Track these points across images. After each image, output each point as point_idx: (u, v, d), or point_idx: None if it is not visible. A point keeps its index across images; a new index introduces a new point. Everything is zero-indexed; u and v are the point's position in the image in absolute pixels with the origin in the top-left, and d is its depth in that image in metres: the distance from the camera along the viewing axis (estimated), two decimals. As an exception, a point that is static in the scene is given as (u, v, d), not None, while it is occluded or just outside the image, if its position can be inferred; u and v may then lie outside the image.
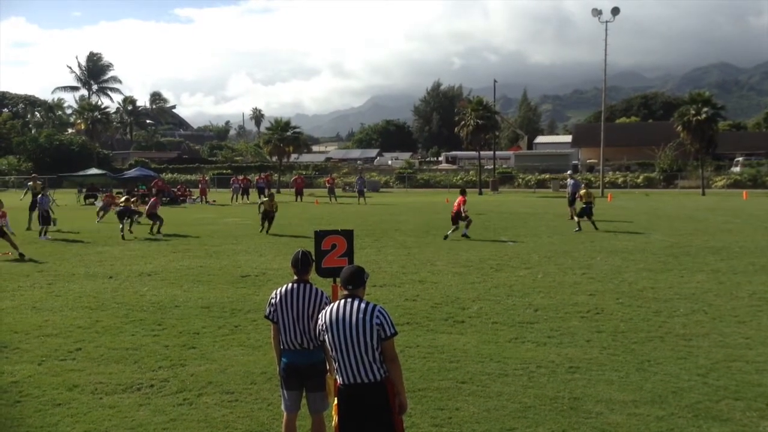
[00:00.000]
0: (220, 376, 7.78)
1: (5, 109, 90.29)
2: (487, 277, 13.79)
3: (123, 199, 24.01)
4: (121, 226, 21.89)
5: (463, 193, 21.21)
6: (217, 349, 8.93)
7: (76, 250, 19.01)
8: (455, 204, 20.75)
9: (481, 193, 50.01)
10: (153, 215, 22.80)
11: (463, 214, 20.35)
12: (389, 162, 78.84)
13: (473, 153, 59.92)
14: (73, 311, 11.21)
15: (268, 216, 22.77)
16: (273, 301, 5.53)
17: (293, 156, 62.38)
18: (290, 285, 5.54)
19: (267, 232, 22.42)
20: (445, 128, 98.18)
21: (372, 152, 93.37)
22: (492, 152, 59.93)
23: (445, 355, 8.43)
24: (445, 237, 20.23)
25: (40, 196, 22.88)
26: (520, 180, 60.03)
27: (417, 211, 32.07)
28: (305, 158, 77.04)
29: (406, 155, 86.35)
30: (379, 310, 4.77)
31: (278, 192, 43.34)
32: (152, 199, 24.42)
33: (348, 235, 6.85)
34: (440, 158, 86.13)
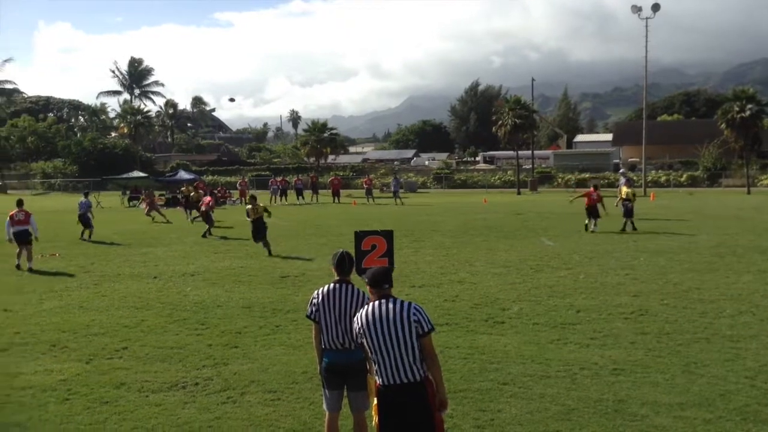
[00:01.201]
0: (262, 375, 7.87)
1: (51, 114, 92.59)
2: (527, 277, 13.68)
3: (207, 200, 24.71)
4: (207, 227, 22.97)
5: (596, 188, 22.30)
6: (258, 349, 9.03)
7: (120, 251, 19.41)
8: (590, 197, 21.64)
9: (519, 193, 49.63)
10: (207, 216, 23.27)
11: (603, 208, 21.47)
12: (426, 162, 78.69)
13: (511, 153, 59.47)
14: (119, 311, 11.46)
15: (257, 226, 18.46)
16: (315, 300, 5.57)
17: (330, 157, 62.70)
18: (332, 285, 5.58)
19: (268, 251, 18.07)
20: (482, 128, 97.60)
21: (409, 153, 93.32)
22: (530, 152, 59.41)
23: (486, 356, 8.39)
24: (589, 230, 21.44)
25: (81, 200, 23.17)
26: (559, 179, 59.32)
27: (455, 211, 31.96)
28: (342, 159, 77.30)
29: (443, 155, 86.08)
30: (415, 307, 4.78)
31: (316, 193, 43.46)
32: (208, 199, 24.93)
33: (388, 235, 6.85)
34: (478, 158, 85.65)
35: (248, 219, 18.70)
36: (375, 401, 4.99)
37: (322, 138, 56.83)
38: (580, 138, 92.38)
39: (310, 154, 58.94)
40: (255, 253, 18.38)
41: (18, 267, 15.98)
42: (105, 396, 7.27)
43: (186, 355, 8.76)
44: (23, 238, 16.12)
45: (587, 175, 57.21)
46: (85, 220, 22.44)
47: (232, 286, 13.59)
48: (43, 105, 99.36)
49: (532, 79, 61.97)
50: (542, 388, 7.19)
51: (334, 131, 59.78)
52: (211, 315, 11.05)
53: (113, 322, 10.65)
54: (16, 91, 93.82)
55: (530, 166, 59.62)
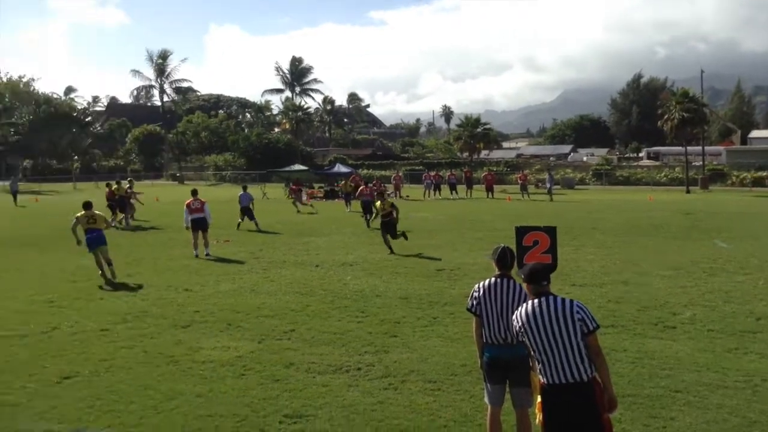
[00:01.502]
0: (421, 365, 7.99)
1: (221, 111, 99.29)
2: (699, 281, 12.81)
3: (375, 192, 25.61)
4: (366, 216, 24.09)
5: None
6: (417, 339, 9.17)
7: (284, 239, 20.45)
8: None
9: (688, 192, 46.54)
10: (367, 205, 24.17)
11: None
12: (584, 158, 75.83)
13: (678, 148, 55.86)
14: (286, 295, 12.09)
15: (386, 223, 17.87)
16: (476, 294, 5.55)
17: (483, 152, 62.19)
18: (493, 279, 5.53)
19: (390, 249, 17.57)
20: (645, 122, 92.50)
21: (565, 148, 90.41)
22: (700, 147, 55.48)
23: (656, 361, 7.96)
24: None
25: (240, 193, 24.46)
26: (733, 178, 54.90)
27: (617, 209, 30.57)
28: (496, 154, 76.42)
29: (602, 151, 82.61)
30: (578, 305, 4.65)
31: (470, 188, 43.26)
32: (363, 188, 25.88)
33: (551, 231, 6.68)
34: (641, 154, 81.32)
35: (378, 215, 18.48)
36: (539, 399, 4.90)
37: (475, 133, 56.53)
38: (756, 134, 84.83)
39: (463, 149, 58.82)
40: (409, 245, 18.64)
41: (196, 256, 16.81)
42: (276, 374, 7.71)
43: (348, 341, 9.09)
44: (200, 225, 17.38)
45: (765, 174, 52.57)
46: (248, 212, 23.80)
47: (389, 277, 13.89)
48: (214, 102, 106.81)
49: (701, 71, 57.73)
50: (719, 398, 6.72)
51: (487, 126, 59.26)
52: (371, 304, 11.36)
53: (281, 305, 11.27)
54: (190, 89, 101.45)
55: (700, 162, 55.71)
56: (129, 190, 26.34)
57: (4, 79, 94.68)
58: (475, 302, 5.55)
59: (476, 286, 5.62)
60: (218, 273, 14.48)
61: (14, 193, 39.57)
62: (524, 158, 78.14)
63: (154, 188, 58.57)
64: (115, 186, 26.10)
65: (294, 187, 35.71)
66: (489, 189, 41.08)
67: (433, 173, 45.61)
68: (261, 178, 55.82)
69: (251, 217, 23.62)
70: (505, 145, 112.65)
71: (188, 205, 17.45)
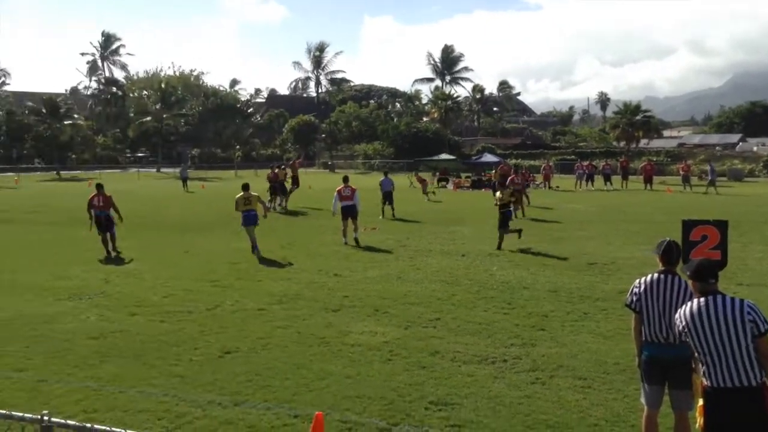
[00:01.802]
0: (571, 361, 7.77)
1: (372, 101, 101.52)
2: None
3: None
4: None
5: None
6: (566, 334, 8.92)
7: (430, 228, 20.60)
8: None
9: None
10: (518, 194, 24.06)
11: None
12: (754, 148, 69.92)
13: None
14: (432, 284, 12.19)
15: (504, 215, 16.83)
16: (636, 290, 5.31)
17: (642, 141, 59.05)
18: (656, 275, 5.26)
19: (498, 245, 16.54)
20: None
21: (733, 137, 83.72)
22: None
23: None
24: None
25: (382, 179, 24.94)
26: None
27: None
28: (655, 144, 72.37)
29: (776, 140, 75.75)
30: (749, 305, 4.34)
31: (626, 179, 41.22)
32: (512, 177, 25.61)
33: (722, 226, 6.24)
34: (821, 144, 73.64)
35: (496, 205, 17.10)
36: (700, 403, 4.61)
37: (633, 121, 53.84)
38: None
39: (620, 138, 56.24)
40: (560, 237, 18.15)
41: (345, 243, 17.12)
42: (422, 361, 7.81)
43: (494, 332, 9.02)
44: (349, 212, 17.58)
45: None
46: (389, 197, 24.24)
47: (537, 269, 13.60)
48: (366, 92, 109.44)
49: None
50: None
51: (647, 113, 56.25)
52: (517, 296, 11.19)
53: (427, 293, 11.38)
54: (344, 80, 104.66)
55: None
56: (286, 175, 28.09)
57: (177, 74, 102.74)
58: (635, 298, 5.32)
59: (637, 281, 5.38)
60: (366, 260, 14.86)
61: (184, 180, 42.83)
62: (687, 148, 73.32)
63: (307, 176, 61.09)
64: (278, 169, 28.32)
65: (418, 176, 35.56)
66: (648, 180, 38.95)
67: (586, 163, 43.95)
68: (408, 167, 56.48)
69: (390, 202, 24.02)
70: (666, 133, 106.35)
71: (339, 192, 17.78)
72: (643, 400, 5.39)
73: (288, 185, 28.44)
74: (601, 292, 11.31)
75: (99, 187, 16.62)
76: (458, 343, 8.50)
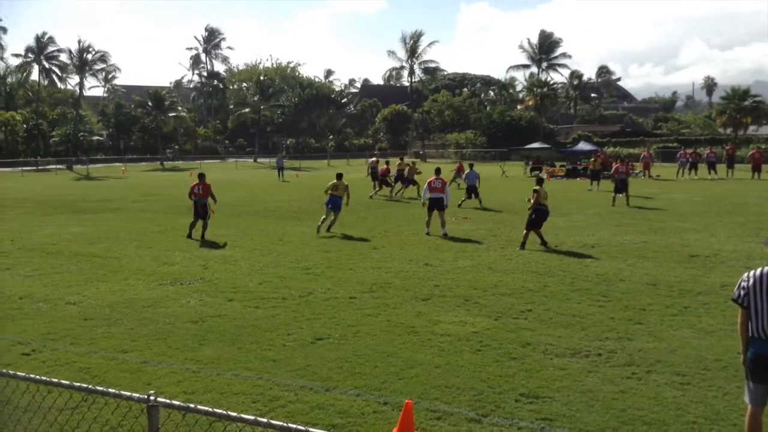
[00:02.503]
0: (669, 356, 7.47)
1: (465, 89, 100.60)
2: None
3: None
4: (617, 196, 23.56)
5: None
6: (665, 328, 8.58)
7: (522, 218, 20.20)
8: None
9: None
10: (623, 183, 23.71)
11: None
12: None
13: None
14: (524, 275, 11.99)
15: (538, 215, 15.22)
16: (744, 284, 5.04)
17: (751, 128, 55.85)
18: (766, 269, 4.98)
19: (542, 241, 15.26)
20: None
21: None
22: None
23: None
24: None
25: (468, 171, 25.01)
26: None
27: None
28: (765, 130, 68.28)
29: None
30: None
31: (731, 167, 39.04)
32: (617, 165, 24.99)
33: None
34: None
35: (528, 206, 15.38)
36: None
37: (742, 106, 51.05)
38: None
39: (727, 125, 53.47)
40: (660, 228, 17.45)
41: (428, 234, 17.02)
42: (512, 352, 7.71)
43: (588, 325, 8.78)
44: (436, 205, 17.25)
45: None
46: (474, 191, 23.95)
47: (635, 261, 13.13)
48: (459, 81, 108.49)
49: None
50: None
51: (757, 98, 53.12)
52: (613, 288, 10.85)
53: (518, 284, 11.21)
54: (437, 69, 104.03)
55: None
56: (407, 166, 29.53)
57: (274, 66, 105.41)
58: (743, 292, 5.06)
59: (745, 275, 5.12)
60: (457, 249, 14.79)
61: (280, 169, 43.99)
62: (801, 134, 68.76)
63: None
64: (400, 161, 30.30)
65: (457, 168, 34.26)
66: (756, 169, 36.72)
67: (690, 151, 41.96)
68: (501, 156, 55.75)
69: (476, 195, 23.77)
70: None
71: (429, 183, 17.70)
72: (747, 398, 5.12)
73: (391, 179, 28.97)
74: (703, 286, 10.80)
75: (201, 176, 17.56)
76: (550, 336, 8.33)
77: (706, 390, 6.51)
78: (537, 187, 15.20)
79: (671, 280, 11.28)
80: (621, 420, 5.88)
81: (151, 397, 3.35)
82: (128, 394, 3.52)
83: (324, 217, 17.71)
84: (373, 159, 32.97)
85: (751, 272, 5.06)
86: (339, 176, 18.19)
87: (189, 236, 16.78)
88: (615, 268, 12.46)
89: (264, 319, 9.25)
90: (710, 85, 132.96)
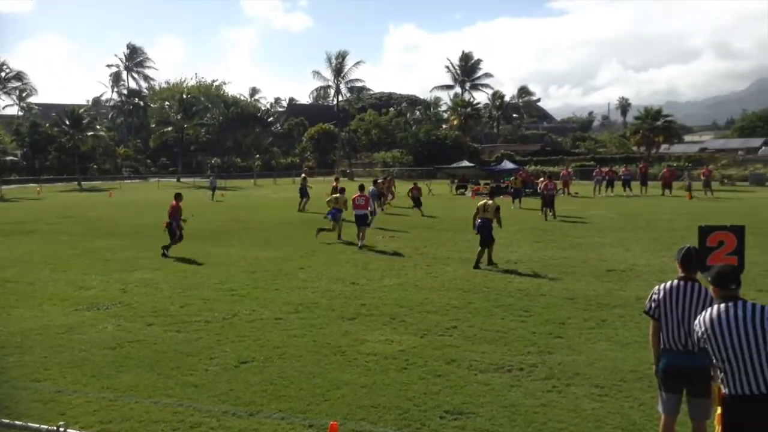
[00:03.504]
0: (587, 369, 7.69)
1: (391, 108, 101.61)
2: None
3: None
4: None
5: None
6: (583, 342, 8.84)
7: (449, 235, 20.54)
8: None
9: None
10: (551, 198, 25.47)
11: None
12: (777, 152, 69.04)
13: None
14: (449, 292, 12.14)
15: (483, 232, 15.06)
16: (655, 297, 5.26)
17: (663, 146, 58.53)
18: (676, 282, 5.21)
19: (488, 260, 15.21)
20: None
21: (756, 141, 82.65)
22: None
23: None
24: None
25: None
26: None
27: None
28: (676, 149, 71.70)
29: (801, 145, 74.66)
30: None
31: (645, 185, 40.72)
32: (545, 182, 26.60)
33: (739, 231, 6.16)
34: None
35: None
36: (719, 411, 4.55)
37: (654, 126, 53.46)
38: None
39: (640, 144, 55.83)
40: (578, 244, 18.03)
41: (360, 247, 17.75)
42: (438, 369, 7.77)
43: (510, 340, 8.95)
44: (361, 221, 18.24)
45: None
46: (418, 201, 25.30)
47: (555, 275, 13.51)
48: (385, 100, 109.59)
49: None
50: None
51: (668, 118, 55.79)
52: (535, 303, 11.11)
53: (443, 302, 11.33)
54: (364, 88, 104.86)
55: None
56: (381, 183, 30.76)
57: (198, 84, 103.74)
58: (654, 304, 5.27)
59: (656, 288, 5.33)
60: (383, 268, 14.84)
61: (213, 189, 43.10)
62: (708, 152, 72.62)
63: (325, 184, 61.17)
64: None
65: (413, 187, 34.48)
66: (666, 186, 38.54)
67: (605, 169, 43.60)
68: (427, 175, 56.45)
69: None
70: (688, 138, 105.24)
71: (353, 200, 18.48)
72: (660, 408, 5.32)
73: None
74: (619, 299, 11.20)
75: (178, 197, 18.34)
76: (474, 352, 8.44)
77: (623, 401, 6.72)
78: (484, 201, 15.52)
79: (589, 294, 11.64)
80: (542, 433, 6.00)
81: (61, 429, 3.21)
82: (36, 425, 3.36)
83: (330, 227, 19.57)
84: (303, 176, 33.19)
85: (662, 285, 5.27)
86: (341, 190, 20.32)
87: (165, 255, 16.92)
88: (536, 283, 12.77)
89: (186, 343, 9.01)
90: (624, 106, 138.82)
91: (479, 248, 14.95)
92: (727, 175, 51.97)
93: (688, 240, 6.27)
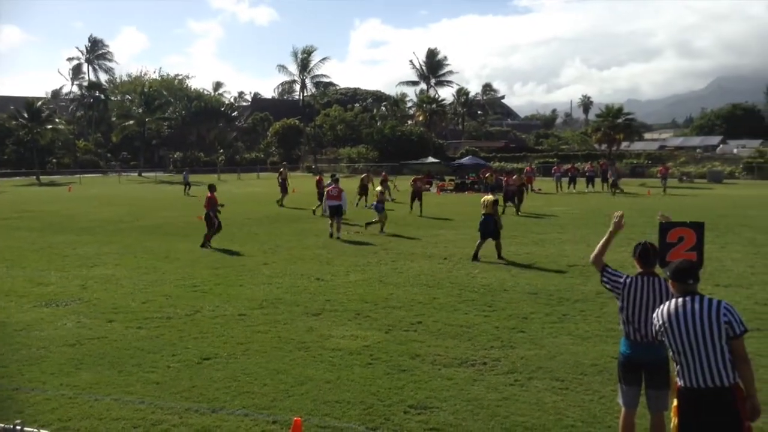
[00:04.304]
0: (549, 363, 7.81)
1: (357, 104, 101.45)
2: None
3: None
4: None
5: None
6: (545, 336, 8.96)
7: (413, 232, 20.61)
8: None
9: None
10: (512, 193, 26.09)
11: None
12: (735, 150, 70.76)
13: None
14: (414, 287, 12.19)
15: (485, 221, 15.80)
16: (621, 280, 5.35)
17: (623, 144, 59.48)
18: (637, 277, 5.32)
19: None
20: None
21: (714, 139, 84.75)
22: None
23: (809, 370, 7.33)
24: None
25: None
26: None
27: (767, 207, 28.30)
28: (637, 146, 73.02)
29: (756, 143, 76.69)
30: (725, 306, 4.39)
31: (605, 181, 41.31)
32: (509, 178, 27.29)
33: (698, 228, 6.30)
34: (800, 145, 74.62)
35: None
36: (675, 403, 4.65)
37: (615, 124, 54.22)
38: None
39: (601, 141, 56.61)
40: (541, 240, 18.25)
41: (331, 236, 18.69)
42: (402, 364, 7.80)
43: (474, 335, 9.03)
44: (336, 211, 19.05)
45: None
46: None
47: (518, 271, 13.66)
48: (351, 96, 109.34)
49: None
50: None
51: (629, 116, 56.65)
52: (498, 298, 11.23)
53: (408, 297, 11.38)
54: (330, 84, 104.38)
55: None
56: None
57: (160, 77, 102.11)
58: (617, 287, 5.34)
59: (624, 274, 5.41)
60: (348, 263, 14.84)
61: (187, 184, 41.74)
62: (668, 150, 74.12)
63: (291, 180, 60.78)
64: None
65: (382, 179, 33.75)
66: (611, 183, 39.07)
67: (568, 166, 44.17)
68: (392, 171, 56.54)
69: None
70: (648, 136, 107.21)
71: (327, 192, 18.97)
72: (620, 400, 5.43)
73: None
74: (580, 294, 11.38)
75: (212, 188, 18.21)
76: (439, 347, 8.50)
77: (584, 394, 6.84)
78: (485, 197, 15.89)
79: (551, 289, 11.81)
80: (504, 427, 6.07)
81: (18, 426, 3.15)
82: (-8, 425, 3.29)
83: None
84: (282, 170, 33.63)
85: (626, 277, 5.37)
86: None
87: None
88: (500, 278, 12.90)
89: (147, 340, 8.90)
90: (586, 104, 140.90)
91: (479, 240, 15.42)
92: (685, 173, 53.14)
93: (648, 236, 6.40)
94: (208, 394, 6.92)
